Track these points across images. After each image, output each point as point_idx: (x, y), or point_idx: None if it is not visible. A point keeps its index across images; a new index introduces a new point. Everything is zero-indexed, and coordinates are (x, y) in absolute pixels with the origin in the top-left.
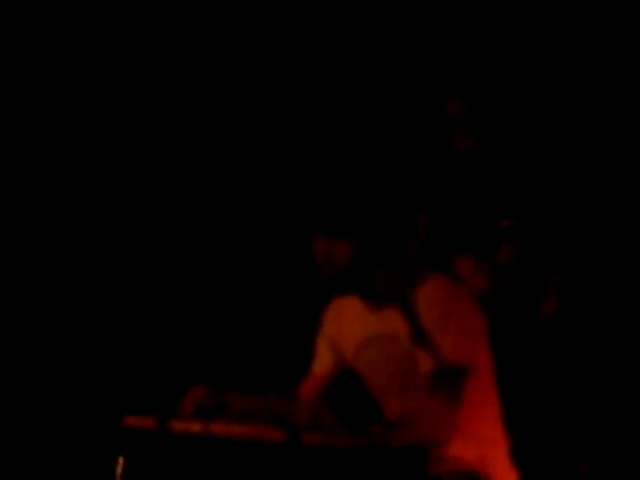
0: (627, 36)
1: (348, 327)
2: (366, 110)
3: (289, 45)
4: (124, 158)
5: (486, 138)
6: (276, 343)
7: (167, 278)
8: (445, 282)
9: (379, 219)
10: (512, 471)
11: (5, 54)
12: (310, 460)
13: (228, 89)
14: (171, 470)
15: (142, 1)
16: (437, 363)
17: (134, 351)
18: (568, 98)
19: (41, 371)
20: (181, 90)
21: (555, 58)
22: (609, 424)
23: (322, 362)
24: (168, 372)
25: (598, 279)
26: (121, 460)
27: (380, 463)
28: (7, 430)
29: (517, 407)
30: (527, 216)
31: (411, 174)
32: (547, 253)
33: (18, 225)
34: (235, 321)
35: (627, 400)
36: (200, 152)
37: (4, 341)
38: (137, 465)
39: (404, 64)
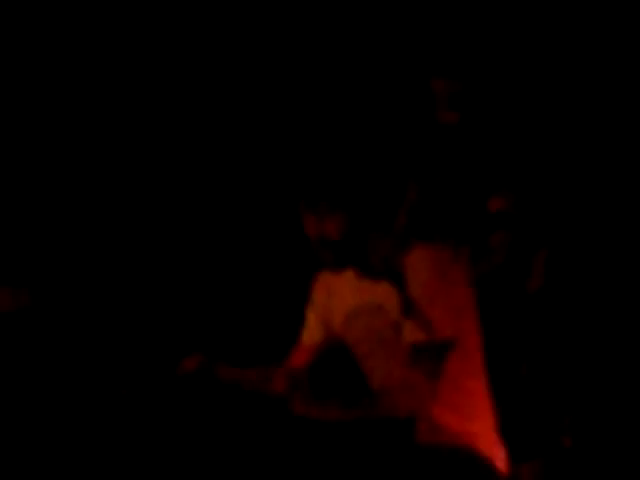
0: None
1: (338, 298)
2: (353, 86)
3: (275, 25)
4: (119, 154)
5: (470, 115)
6: (268, 314)
7: (159, 252)
8: (433, 253)
9: (368, 191)
10: (498, 445)
11: (5, 54)
12: (297, 431)
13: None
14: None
15: (142, 1)
16: (424, 334)
17: (118, 319)
18: (553, 78)
19: (23, 342)
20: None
21: (540, 38)
22: (597, 400)
23: (311, 333)
24: (157, 344)
25: (585, 256)
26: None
27: (369, 434)
28: None
29: (503, 383)
30: (514, 192)
31: (398, 146)
32: (534, 230)
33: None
34: (227, 293)
35: (614, 375)
36: (188, 133)
37: None
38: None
39: (391, 42)
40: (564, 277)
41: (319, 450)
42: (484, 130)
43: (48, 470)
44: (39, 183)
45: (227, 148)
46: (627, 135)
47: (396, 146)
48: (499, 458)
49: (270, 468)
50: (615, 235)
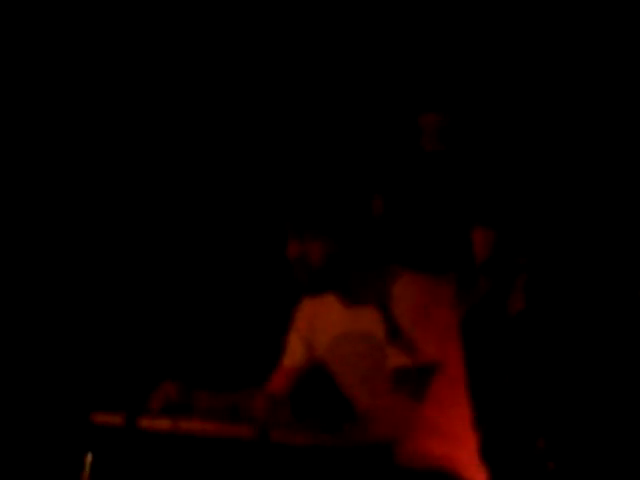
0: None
1: (322, 323)
2: (336, 114)
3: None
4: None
5: (455, 147)
6: (248, 339)
7: (139, 276)
8: (418, 279)
9: (351, 215)
10: (480, 469)
11: (5, 54)
12: (278, 458)
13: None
14: (139, 467)
15: (142, 1)
16: (408, 359)
17: (103, 347)
18: (535, 110)
19: (11, 368)
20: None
21: (524, 77)
22: (578, 423)
23: (293, 356)
24: (137, 369)
25: (566, 277)
26: (89, 457)
27: (348, 461)
28: None
29: (486, 406)
30: (495, 216)
31: (384, 174)
32: (515, 252)
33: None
34: (206, 318)
35: (596, 398)
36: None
37: None
38: (104, 462)
39: (377, 73)
40: (544, 300)
41: (298, 476)
42: (468, 162)
43: None
44: (35, 208)
45: (214, 166)
46: (608, 162)
47: (382, 174)
48: None
49: None
50: (596, 257)
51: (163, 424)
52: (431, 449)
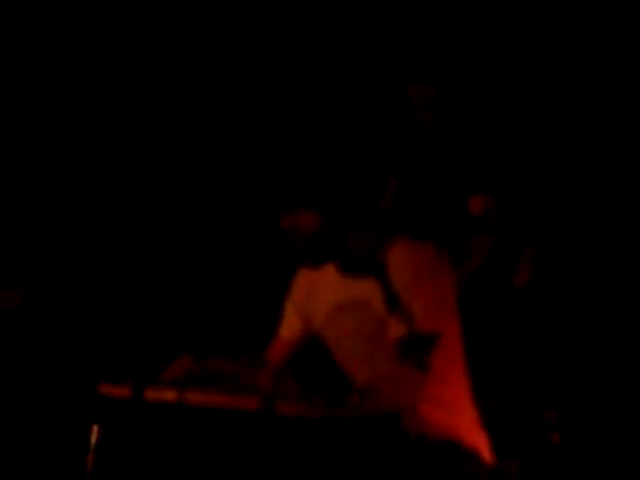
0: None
1: (318, 293)
2: (331, 86)
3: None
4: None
5: (449, 115)
6: (248, 308)
7: (143, 248)
8: (415, 246)
9: (344, 188)
10: (482, 440)
11: (5, 54)
12: (283, 430)
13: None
14: (146, 438)
15: (142, 1)
16: (408, 329)
17: (109, 319)
18: (530, 82)
19: (16, 341)
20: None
21: (513, 44)
22: (582, 395)
23: (289, 327)
24: (143, 340)
25: (572, 251)
26: (96, 428)
27: (355, 432)
28: None
29: (491, 378)
30: (496, 191)
31: (376, 143)
32: (521, 225)
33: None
34: (209, 288)
35: (602, 371)
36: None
37: None
38: (111, 433)
39: (370, 47)
40: (551, 273)
41: (302, 448)
42: (464, 131)
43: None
44: (35, 185)
45: (205, 146)
46: (606, 132)
47: (377, 144)
48: (484, 451)
49: (255, 467)
50: (601, 231)
51: (169, 395)
52: (433, 419)
